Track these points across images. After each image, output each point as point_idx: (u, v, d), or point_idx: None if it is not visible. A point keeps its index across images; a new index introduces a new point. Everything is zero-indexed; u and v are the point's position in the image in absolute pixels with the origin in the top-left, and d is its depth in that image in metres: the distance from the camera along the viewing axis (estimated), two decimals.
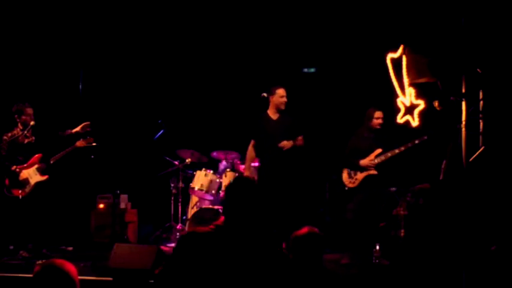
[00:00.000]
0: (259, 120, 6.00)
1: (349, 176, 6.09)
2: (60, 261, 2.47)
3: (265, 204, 2.82)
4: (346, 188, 6.14)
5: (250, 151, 6.12)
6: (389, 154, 5.93)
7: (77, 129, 6.25)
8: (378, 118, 6.02)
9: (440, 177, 5.45)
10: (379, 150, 5.97)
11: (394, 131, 6.22)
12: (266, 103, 6.01)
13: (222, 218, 2.74)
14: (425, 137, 5.74)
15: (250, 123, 6.10)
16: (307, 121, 6.45)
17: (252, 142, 6.10)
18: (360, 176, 5.99)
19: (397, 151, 5.90)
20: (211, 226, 2.69)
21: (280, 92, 5.92)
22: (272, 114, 5.98)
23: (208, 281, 2.53)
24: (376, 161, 5.95)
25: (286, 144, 5.79)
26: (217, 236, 2.62)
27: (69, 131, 6.25)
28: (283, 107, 5.93)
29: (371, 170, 5.96)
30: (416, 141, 5.79)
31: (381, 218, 6.05)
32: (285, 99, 5.91)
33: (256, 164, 6.35)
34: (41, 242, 6.12)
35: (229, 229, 2.64)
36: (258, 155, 6.06)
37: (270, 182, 5.79)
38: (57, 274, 2.40)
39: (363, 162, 5.97)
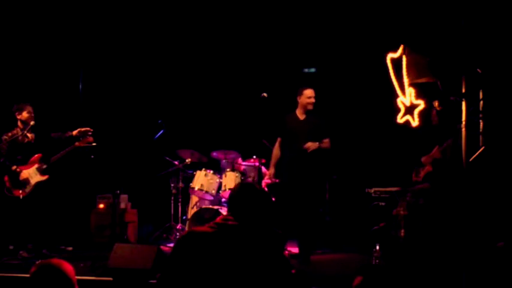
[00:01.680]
0: (287, 119, 6.13)
1: (416, 175, 6.19)
2: (57, 261, 2.46)
3: (272, 207, 2.80)
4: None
5: (276, 149, 6.24)
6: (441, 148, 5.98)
7: (77, 132, 6.24)
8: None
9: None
10: (436, 147, 6.01)
11: (394, 131, 6.23)
12: (266, 103, 6.00)
13: (220, 217, 2.73)
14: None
15: (277, 122, 6.22)
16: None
17: (279, 140, 6.21)
18: (422, 173, 6.09)
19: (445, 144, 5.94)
20: (210, 225, 2.67)
21: (308, 92, 6.04)
22: (300, 114, 6.10)
23: (211, 282, 2.51)
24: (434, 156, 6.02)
25: (311, 146, 5.89)
26: (219, 236, 2.59)
27: (69, 132, 6.24)
28: (310, 107, 6.05)
29: (429, 166, 6.01)
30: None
31: None
32: (312, 99, 6.04)
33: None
34: (40, 242, 6.12)
35: (232, 229, 2.62)
36: (283, 152, 6.15)
37: (292, 180, 5.95)
38: (54, 274, 2.40)
39: (423, 158, 6.05)
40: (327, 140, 6.06)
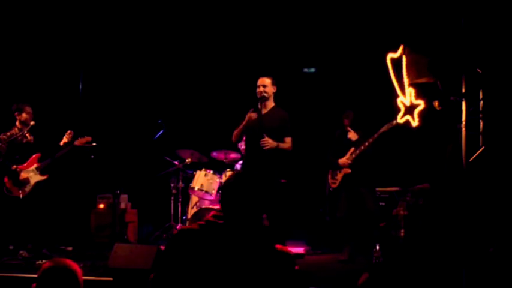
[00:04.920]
0: (251, 113, 5.53)
1: (332, 177, 6.18)
2: (65, 261, 2.46)
3: (265, 200, 2.71)
4: (331, 189, 6.26)
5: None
6: (357, 151, 5.94)
7: (79, 142, 6.26)
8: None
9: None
10: (352, 149, 6.02)
11: (395, 131, 6.23)
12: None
13: (212, 213, 2.71)
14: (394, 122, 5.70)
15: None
16: (307, 121, 6.43)
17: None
18: (339, 175, 6.06)
19: (362, 147, 5.91)
20: (201, 222, 2.65)
21: (258, 81, 5.50)
22: (262, 107, 5.47)
23: (204, 280, 2.51)
24: (350, 158, 5.99)
25: (269, 143, 5.24)
26: (207, 234, 2.58)
27: (68, 147, 6.22)
28: (259, 96, 5.43)
29: (347, 169, 6.01)
30: (383, 130, 5.77)
31: (376, 216, 6.02)
32: (260, 88, 5.40)
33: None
34: (41, 242, 6.12)
35: (221, 227, 2.60)
36: (245, 149, 5.69)
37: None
38: (63, 274, 2.39)
39: (341, 161, 6.02)
40: (288, 140, 5.38)
